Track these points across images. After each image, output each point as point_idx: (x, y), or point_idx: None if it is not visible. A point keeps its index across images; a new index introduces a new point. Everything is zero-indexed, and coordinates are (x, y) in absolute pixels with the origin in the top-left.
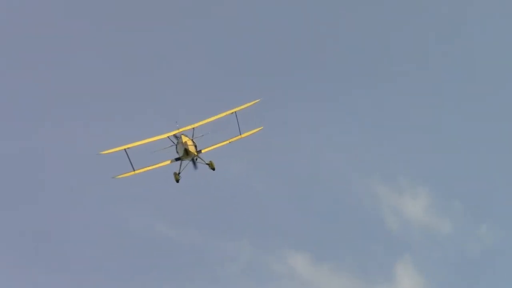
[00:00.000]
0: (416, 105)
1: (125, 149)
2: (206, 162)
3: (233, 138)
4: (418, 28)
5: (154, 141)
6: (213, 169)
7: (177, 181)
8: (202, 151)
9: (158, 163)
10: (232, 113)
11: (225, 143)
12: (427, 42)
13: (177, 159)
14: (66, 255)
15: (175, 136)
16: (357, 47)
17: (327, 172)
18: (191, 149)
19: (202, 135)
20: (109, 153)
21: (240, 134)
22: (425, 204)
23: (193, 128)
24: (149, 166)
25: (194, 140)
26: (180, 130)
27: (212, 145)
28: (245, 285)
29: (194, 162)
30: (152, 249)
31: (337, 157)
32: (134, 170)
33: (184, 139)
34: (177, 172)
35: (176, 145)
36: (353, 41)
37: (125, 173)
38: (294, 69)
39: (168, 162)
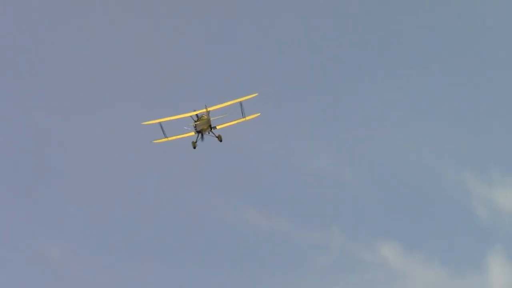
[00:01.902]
0: (508, 92)
1: (159, 122)
2: (216, 135)
3: (238, 119)
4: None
5: (182, 118)
6: (221, 141)
7: (194, 147)
8: (217, 127)
9: (184, 133)
10: (238, 102)
11: (231, 123)
12: (506, 20)
13: (198, 132)
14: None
15: (196, 115)
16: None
17: (416, 162)
18: (212, 124)
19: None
20: (149, 124)
21: (244, 117)
22: None
23: (209, 111)
24: (178, 135)
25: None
26: (202, 110)
27: (222, 124)
28: (335, 274)
29: (203, 135)
30: (243, 237)
31: (427, 147)
32: (166, 137)
33: (207, 117)
34: (195, 141)
35: (195, 121)
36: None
37: (160, 139)
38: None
39: (193, 133)
